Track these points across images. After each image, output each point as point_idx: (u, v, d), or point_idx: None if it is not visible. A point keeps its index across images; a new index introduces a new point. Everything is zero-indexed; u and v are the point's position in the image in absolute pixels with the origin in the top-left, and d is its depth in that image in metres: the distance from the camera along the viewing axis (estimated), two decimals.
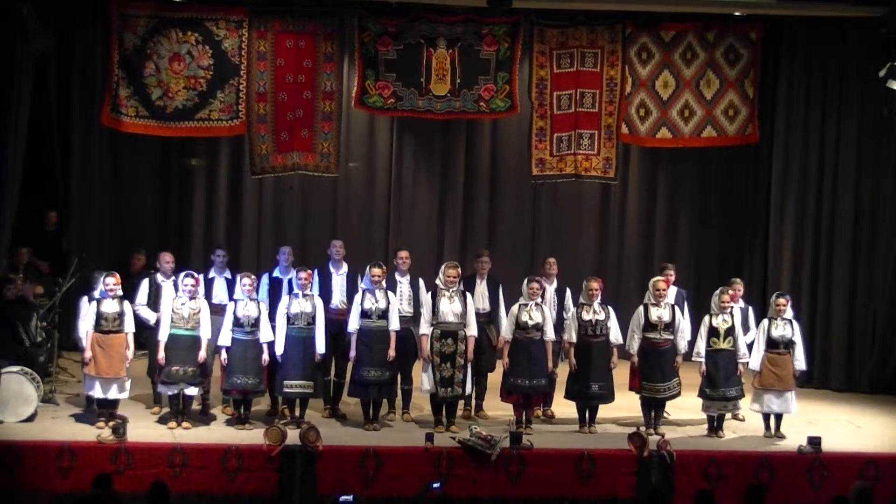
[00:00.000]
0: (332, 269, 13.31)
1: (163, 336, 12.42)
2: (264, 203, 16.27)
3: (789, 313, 13.12)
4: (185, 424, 12.30)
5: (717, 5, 14.97)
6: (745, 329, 13.49)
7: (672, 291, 13.39)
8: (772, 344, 12.91)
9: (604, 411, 13.13)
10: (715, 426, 12.86)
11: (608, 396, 12.90)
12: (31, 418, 12.25)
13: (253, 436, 12.00)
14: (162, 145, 15.75)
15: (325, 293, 13.11)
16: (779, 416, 12.98)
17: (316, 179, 15.55)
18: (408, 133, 16.36)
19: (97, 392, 12.25)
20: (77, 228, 15.36)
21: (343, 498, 10.31)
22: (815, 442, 12.26)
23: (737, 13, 15.06)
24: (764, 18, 15.20)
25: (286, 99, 14.88)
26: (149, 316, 12.79)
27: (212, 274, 13.29)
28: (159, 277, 13.11)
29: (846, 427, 13.53)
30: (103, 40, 14.70)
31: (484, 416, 13.27)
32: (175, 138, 15.33)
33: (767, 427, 12.96)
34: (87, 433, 11.84)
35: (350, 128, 16.05)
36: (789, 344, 12.95)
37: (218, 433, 12.24)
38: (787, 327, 12.98)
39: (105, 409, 12.28)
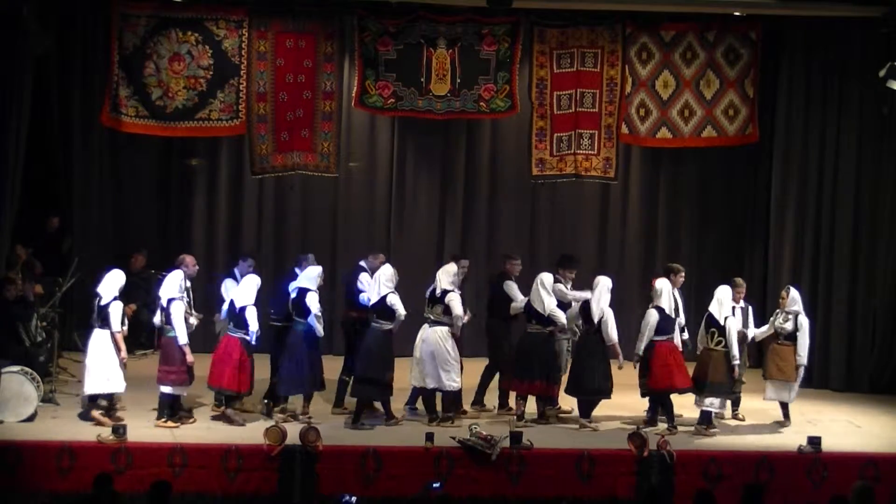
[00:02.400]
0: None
1: (184, 339, 12.50)
2: (264, 203, 16.27)
3: (793, 306, 13.29)
4: (191, 420, 12.48)
5: (717, 5, 14.97)
6: (745, 328, 13.53)
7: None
8: (775, 335, 13.26)
9: (609, 409, 13.24)
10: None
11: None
12: (31, 418, 12.26)
13: (253, 436, 12.00)
14: (162, 145, 15.75)
15: (356, 295, 13.31)
16: (784, 405, 13.31)
17: (316, 179, 15.56)
18: (408, 133, 16.35)
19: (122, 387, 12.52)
20: (77, 228, 15.37)
21: (346, 499, 10.34)
22: (815, 442, 12.27)
23: (737, 13, 15.06)
24: (764, 18, 15.20)
25: (286, 99, 14.89)
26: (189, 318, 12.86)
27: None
28: (187, 281, 13.00)
29: (846, 427, 13.53)
30: (103, 40, 14.72)
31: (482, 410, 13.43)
32: (175, 138, 15.34)
33: (785, 416, 13.38)
34: (87, 433, 11.84)
35: (350, 128, 16.05)
36: (790, 336, 13.16)
37: (218, 433, 12.23)
38: (788, 320, 13.18)
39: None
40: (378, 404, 12.97)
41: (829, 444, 12.35)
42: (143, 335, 15.70)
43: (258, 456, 11.65)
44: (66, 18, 14.76)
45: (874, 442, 12.90)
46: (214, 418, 12.73)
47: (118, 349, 12.41)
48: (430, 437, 11.93)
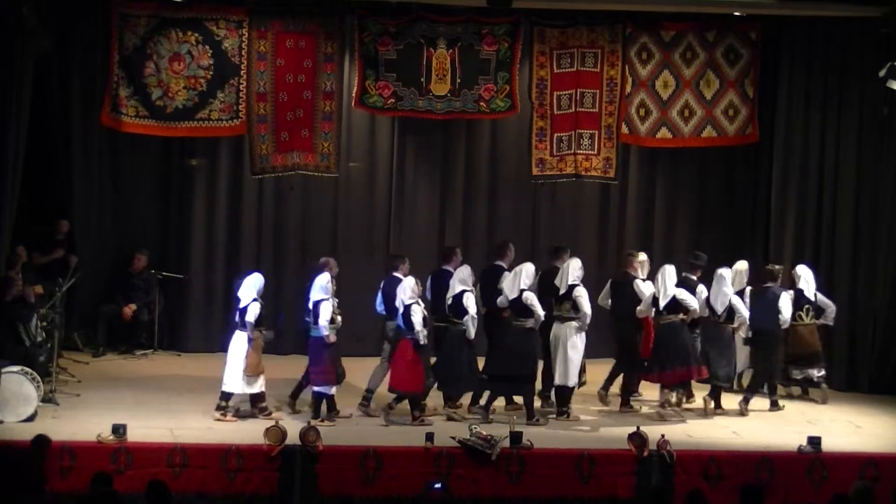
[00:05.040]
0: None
1: (332, 338, 12.74)
2: (264, 203, 16.25)
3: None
4: (328, 422, 12.60)
5: (717, 5, 14.98)
6: None
7: None
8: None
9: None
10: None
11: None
12: (31, 418, 12.25)
13: (254, 436, 11.98)
14: (162, 145, 15.74)
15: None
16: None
17: (316, 179, 15.56)
18: (408, 133, 16.35)
19: (257, 387, 12.72)
20: (78, 228, 15.36)
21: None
22: (815, 442, 12.26)
23: (737, 13, 15.07)
24: (764, 18, 15.21)
25: (286, 99, 14.88)
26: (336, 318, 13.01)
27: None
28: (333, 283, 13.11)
29: (846, 427, 13.52)
30: (103, 40, 14.72)
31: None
32: (175, 138, 15.34)
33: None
34: (88, 433, 11.83)
35: (350, 128, 16.04)
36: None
37: (218, 433, 12.23)
38: None
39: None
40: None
41: (829, 444, 12.34)
42: (143, 335, 15.72)
43: (258, 456, 11.64)
44: (65, 18, 14.75)
45: (874, 442, 12.89)
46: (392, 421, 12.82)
47: (251, 345, 12.67)
48: (430, 437, 11.93)
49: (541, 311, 13.02)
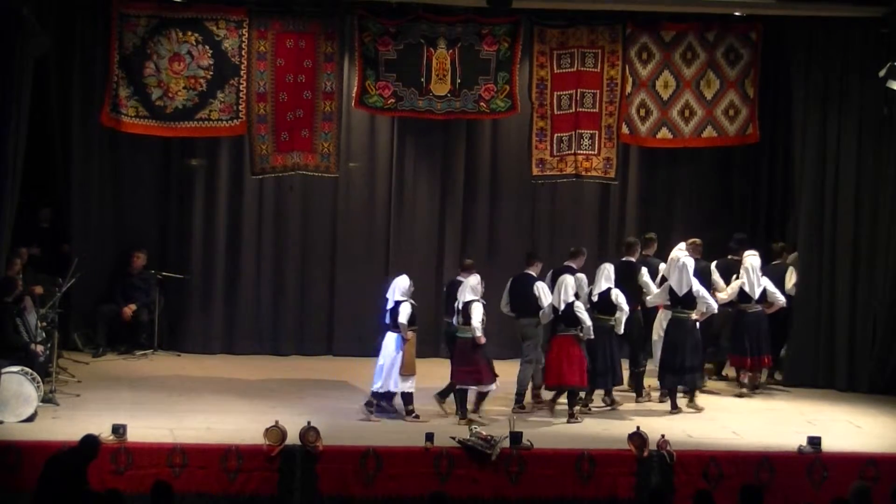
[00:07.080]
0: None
1: (483, 339, 13.00)
2: (264, 203, 16.25)
3: None
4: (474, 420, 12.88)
5: (717, 5, 14.99)
6: None
7: None
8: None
9: None
10: None
11: None
12: (31, 418, 12.25)
13: (254, 436, 11.98)
14: (162, 145, 15.74)
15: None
16: None
17: (316, 180, 15.55)
18: (408, 133, 16.35)
19: (410, 387, 13.04)
20: (77, 228, 15.37)
21: None
22: (815, 442, 12.26)
23: (737, 13, 15.07)
24: (764, 18, 15.21)
25: (286, 99, 14.88)
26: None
27: None
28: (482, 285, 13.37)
29: (846, 427, 13.52)
30: (103, 40, 14.71)
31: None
32: (175, 138, 15.34)
33: None
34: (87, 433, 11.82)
35: (350, 128, 16.04)
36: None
37: (218, 433, 12.23)
38: None
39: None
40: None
41: (829, 444, 12.34)
42: (142, 335, 15.71)
43: (258, 456, 11.64)
44: (66, 18, 14.76)
45: (874, 442, 12.89)
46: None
47: (402, 345, 12.89)
48: (430, 437, 11.93)
49: (714, 305, 13.84)
